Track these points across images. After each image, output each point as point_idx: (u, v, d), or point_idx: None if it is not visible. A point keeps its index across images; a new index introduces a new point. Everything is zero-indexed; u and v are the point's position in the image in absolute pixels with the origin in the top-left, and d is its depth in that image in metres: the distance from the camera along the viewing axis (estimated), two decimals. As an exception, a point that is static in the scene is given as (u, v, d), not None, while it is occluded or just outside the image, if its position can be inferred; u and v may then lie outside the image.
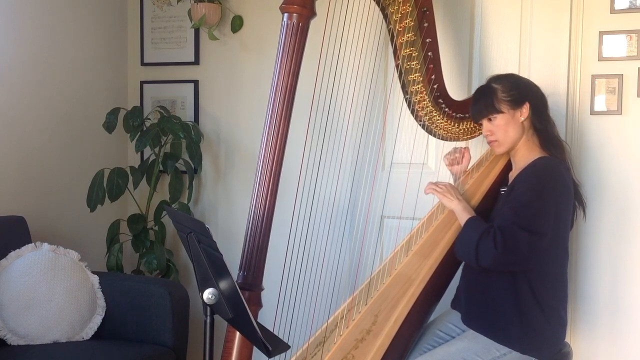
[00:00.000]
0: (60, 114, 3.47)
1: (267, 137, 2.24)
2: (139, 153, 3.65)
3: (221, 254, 1.80)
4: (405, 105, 2.67)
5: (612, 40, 2.84)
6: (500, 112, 2.41)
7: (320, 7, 2.26)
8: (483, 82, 2.93)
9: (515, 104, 2.41)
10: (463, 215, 2.40)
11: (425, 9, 2.51)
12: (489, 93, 2.44)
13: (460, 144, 2.82)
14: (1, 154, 3.18)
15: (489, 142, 2.49)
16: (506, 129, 2.42)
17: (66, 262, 2.97)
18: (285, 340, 1.93)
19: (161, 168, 3.54)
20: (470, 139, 2.76)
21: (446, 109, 2.63)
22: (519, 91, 2.42)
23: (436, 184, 2.51)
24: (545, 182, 2.32)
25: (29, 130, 3.31)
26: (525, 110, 2.41)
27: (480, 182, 2.60)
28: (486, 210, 2.49)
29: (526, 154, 2.43)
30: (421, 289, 2.41)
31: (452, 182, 2.71)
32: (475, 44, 3.06)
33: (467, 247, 2.32)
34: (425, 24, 2.52)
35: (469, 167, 2.74)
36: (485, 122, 2.46)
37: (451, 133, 2.70)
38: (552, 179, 2.33)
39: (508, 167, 2.57)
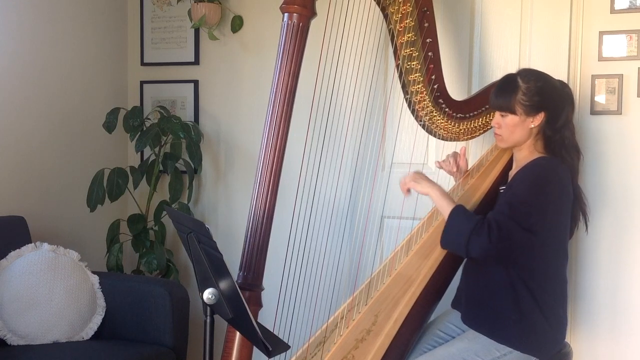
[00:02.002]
0: (60, 114, 3.47)
1: (268, 137, 2.24)
2: (139, 153, 3.65)
3: (221, 254, 1.80)
4: (405, 105, 2.67)
5: (612, 40, 2.84)
6: (514, 113, 2.37)
7: (320, 7, 2.26)
8: (483, 83, 2.96)
9: (531, 111, 2.36)
10: (443, 202, 2.37)
11: (425, 9, 2.50)
12: (512, 89, 2.36)
13: (461, 144, 2.82)
14: (1, 154, 3.18)
15: (494, 134, 2.47)
16: (513, 130, 2.39)
17: (66, 262, 2.97)
18: (285, 340, 1.93)
19: (161, 168, 3.54)
20: (470, 139, 2.76)
21: (446, 109, 2.63)
22: (540, 99, 2.35)
23: (404, 178, 2.47)
24: (543, 181, 2.31)
25: (29, 130, 3.31)
26: (539, 119, 2.37)
27: (481, 181, 2.60)
28: (487, 209, 2.48)
29: (528, 155, 2.42)
30: (421, 289, 2.41)
31: (453, 183, 2.71)
32: (475, 44, 3.06)
33: (457, 236, 2.30)
34: (426, 24, 2.52)
35: (469, 167, 2.74)
36: (497, 114, 2.42)
37: (451, 133, 2.70)
38: (550, 179, 2.32)
39: (508, 166, 2.57)
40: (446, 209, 2.36)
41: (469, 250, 2.27)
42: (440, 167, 2.75)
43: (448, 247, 2.39)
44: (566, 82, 2.88)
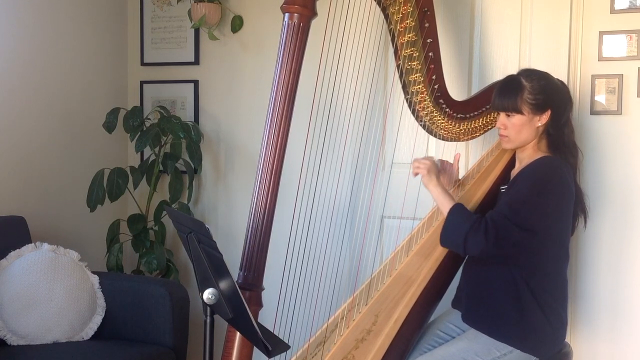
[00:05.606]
0: (60, 114, 3.46)
1: (268, 138, 2.23)
2: (139, 153, 3.65)
3: (221, 254, 1.80)
4: (405, 105, 2.67)
5: (612, 40, 2.84)
6: (520, 113, 2.36)
7: (321, 7, 2.26)
8: (483, 83, 2.96)
9: (538, 109, 2.36)
10: (444, 200, 2.39)
11: (426, 9, 2.50)
12: (516, 89, 2.36)
13: (461, 145, 2.82)
14: (1, 154, 3.18)
15: (500, 135, 2.46)
16: (520, 130, 2.38)
17: (66, 262, 2.97)
18: (286, 340, 1.93)
19: (161, 168, 3.54)
20: (470, 139, 2.76)
21: (447, 109, 2.63)
22: (545, 96, 2.35)
23: (420, 160, 2.48)
24: (545, 181, 2.31)
25: (29, 130, 3.31)
26: (545, 117, 2.36)
27: (481, 181, 2.60)
28: (488, 209, 2.48)
29: (532, 154, 2.42)
30: (422, 289, 2.41)
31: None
32: (475, 44, 3.07)
33: (455, 235, 2.32)
34: (426, 24, 2.52)
35: (469, 167, 2.74)
36: (502, 115, 2.41)
37: (452, 133, 2.70)
38: (553, 179, 2.32)
39: (509, 166, 2.57)
40: (446, 206, 2.38)
41: (466, 248, 2.29)
42: None
43: (446, 245, 2.40)
44: (566, 82, 2.88)
